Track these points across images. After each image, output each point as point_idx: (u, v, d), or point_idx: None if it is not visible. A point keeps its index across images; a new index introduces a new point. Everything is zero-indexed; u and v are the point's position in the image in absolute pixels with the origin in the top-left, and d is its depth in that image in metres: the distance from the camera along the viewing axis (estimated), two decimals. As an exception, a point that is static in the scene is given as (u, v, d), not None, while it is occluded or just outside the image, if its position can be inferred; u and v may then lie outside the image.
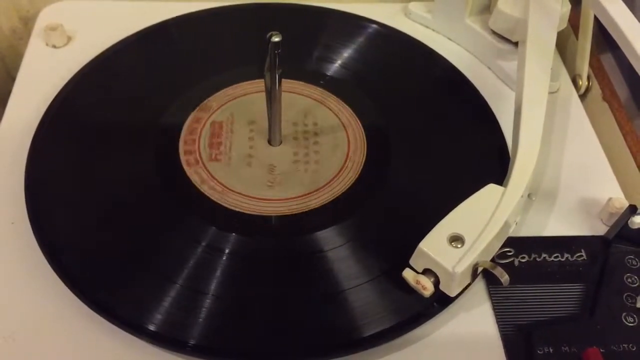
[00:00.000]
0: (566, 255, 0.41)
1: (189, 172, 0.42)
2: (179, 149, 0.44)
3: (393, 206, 0.42)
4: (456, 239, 0.36)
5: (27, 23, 0.59)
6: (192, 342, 0.35)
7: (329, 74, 0.50)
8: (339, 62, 0.51)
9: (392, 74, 0.51)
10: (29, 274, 0.38)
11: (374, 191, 0.43)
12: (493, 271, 0.35)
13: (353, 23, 0.54)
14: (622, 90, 0.52)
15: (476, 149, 0.46)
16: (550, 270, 0.40)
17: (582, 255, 0.41)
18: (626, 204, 0.41)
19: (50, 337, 0.36)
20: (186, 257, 0.38)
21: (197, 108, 0.46)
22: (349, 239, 0.40)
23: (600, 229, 0.43)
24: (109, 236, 0.39)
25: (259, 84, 0.48)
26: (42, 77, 0.49)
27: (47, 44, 0.52)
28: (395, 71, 0.52)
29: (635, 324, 0.37)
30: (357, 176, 0.43)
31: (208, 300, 0.36)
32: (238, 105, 0.47)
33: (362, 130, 0.46)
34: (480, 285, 0.39)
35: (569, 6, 0.50)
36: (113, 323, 0.35)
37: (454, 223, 0.37)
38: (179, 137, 0.45)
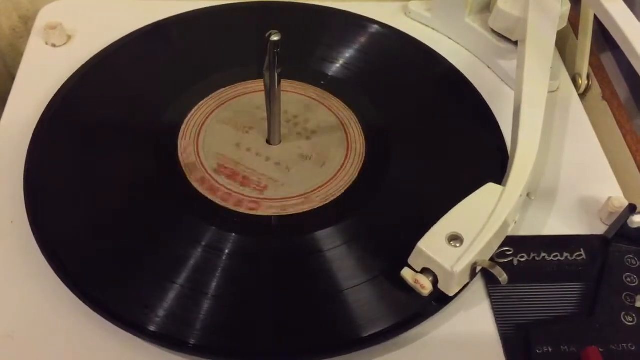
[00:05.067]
0: (565, 254, 0.41)
1: (259, 212, 0.40)
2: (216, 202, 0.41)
3: (392, 206, 0.42)
4: (455, 238, 0.36)
5: (27, 22, 0.59)
6: (192, 341, 0.35)
7: (328, 73, 0.50)
8: (338, 61, 0.51)
9: (391, 73, 0.51)
10: (28, 273, 0.38)
11: (373, 191, 0.43)
12: (492, 270, 0.35)
13: (352, 22, 0.54)
14: (621, 90, 0.52)
15: (475, 148, 0.46)
16: (550, 270, 0.40)
17: (581, 255, 0.41)
18: (625, 203, 0.41)
19: (49, 336, 0.36)
20: (186, 257, 0.38)
21: (184, 168, 0.42)
22: (348, 239, 0.40)
23: (600, 228, 0.43)
24: (108, 235, 0.39)
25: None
26: (41, 76, 0.49)
27: (46, 43, 0.52)
28: (394, 70, 0.52)
29: (634, 323, 0.37)
30: (356, 176, 0.43)
31: (208, 300, 0.36)
32: (207, 137, 0.45)
33: (361, 129, 0.46)
34: (479, 285, 0.39)
35: (568, 5, 0.50)
36: (112, 322, 0.35)
37: (452, 222, 0.37)
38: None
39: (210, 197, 0.41)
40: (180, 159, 0.43)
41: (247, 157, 0.44)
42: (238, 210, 0.40)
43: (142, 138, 0.44)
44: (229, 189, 0.42)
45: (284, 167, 0.43)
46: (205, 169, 0.43)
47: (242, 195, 0.41)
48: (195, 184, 0.42)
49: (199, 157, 0.43)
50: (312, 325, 0.36)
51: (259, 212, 0.40)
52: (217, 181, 0.42)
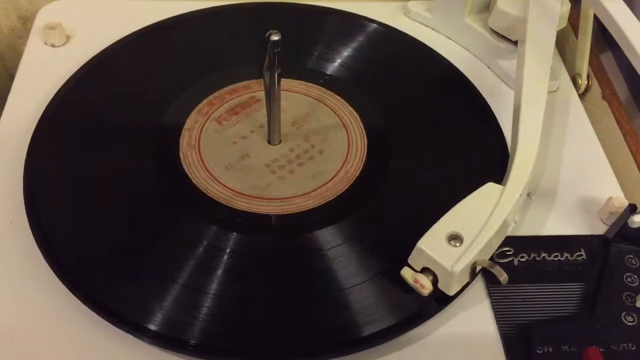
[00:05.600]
0: (566, 254, 0.41)
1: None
2: (182, 131, 0.45)
3: (392, 205, 0.42)
4: (455, 238, 0.36)
5: (26, 22, 0.59)
6: (192, 341, 0.35)
7: (328, 73, 0.50)
8: (339, 61, 0.51)
9: (391, 73, 0.51)
10: (28, 274, 0.38)
11: (373, 190, 0.43)
12: (492, 270, 0.35)
13: (352, 22, 0.54)
14: (621, 90, 0.52)
15: (475, 148, 0.46)
16: (550, 270, 0.40)
17: (581, 255, 0.41)
18: (626, 203, 0.41)
19: (48, 336, 0.36)
20: (186, 257, 0.38)
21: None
22: (348, 238, 0.39)
23: (600, 228, 0.43)
24: (107, 235, 0.39)
25: (248, 85, 0.49)
26: (40, 76, 0.49)
27: (45, 43, 0.52)
28: (394, 70, 0.52)
29: (634, 323, 0.37)
30: (356, 175, 0.43)
31: (208, 300, 0.36)
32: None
33: (362, 129, 0.46)
34: (479, 285, 0.39)
35: (568, 5, 0.50)
36: (113, 323, 0.35)
37: (452, 222, 0.37)
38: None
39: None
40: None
41: (252, 121, 0.46)
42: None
43: (142, 138, 0.44)
44: (223, 103, 0.46)
45: (232, 141, 0.44)
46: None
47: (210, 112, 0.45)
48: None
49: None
50: (312, 325, 0.36)
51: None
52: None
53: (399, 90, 0.50)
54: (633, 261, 0.40)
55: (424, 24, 0.57)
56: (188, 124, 0.46)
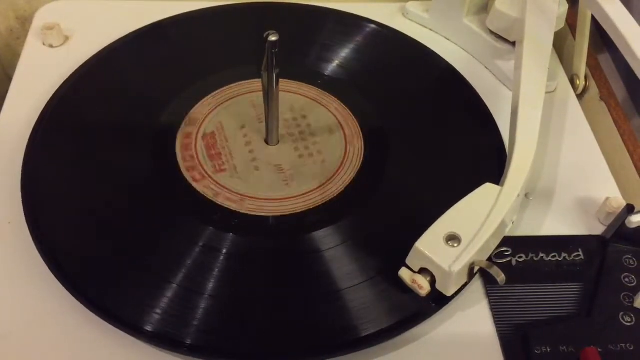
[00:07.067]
0: (563, 254, 0.41)
1: (196, 185, 0.42)
2: (179, 161, 0.43)
3: (390, 206, 0.42)
4: (453, 238, 0.36)
5: (24, 23, 0.59)
6: (189, 342, 0.35)
7: (326, 74, 0.50)
8: (336, 61, 0.51)
9: (389, 73, 0.51)
10: (26, 274, 0.38)
11: (371, 191, 0.43)
12: (490, 270, 0.35)
13: (350, 23, 0.54)
14: (619, 90, 0.52)
15: (473, 149, 0.46)
16: (548, 270, 0.40)
17: (579, 255, 0.41)
18: (623, 203, 0.42)
19: (46, 337, 0.36)
20: (184, 257, 0.38)
21: (183, 123, 0.45)
22: (346, 239, 0.39)
23: (598, 229, 0.43)
24: (106, 236, 0.39)
25: (246, 85, 0.49)
26: (39, 77, 0.49)
27: (44, 44, 0.52)
28: (392, 71, 0.52)
29: (632, 323, 0.37)
30: (354, 176, 0.43)
31: (205, 301, 0.36)
32: (224, 110, 0.47)
33: (360, 130, 0.46)
34: (477, 285, 0.39)
35: (566, 6, 0.50)
36: (110, 323, 0.35)
37: (450, 222, 0.37)
38: (176, 135, 0.45)
39: (177, 151, 0.44)
40: (179, 158, 0.43)
41: (238, 141, 0.45)
42: (185, 175, 0.42)
43: (140, 139, 0.44)
44: (196, 154, 0.44)
45: (254, 166, 0.43)
46: (198, 130, 0.45)
47: (200, 164, 0.43)
48: (179, 137, 0.44)
49: (202, 123, 0.45)
50: (310, 326, 0.36)
51: (196, 185, 0.42)
52: (195, 143, 0.44)
53: (397, 92, 0.50)
54: (631, 261, 0.40)
55: (422, 25, 0.57)
56: (186, 124, 0.46)
